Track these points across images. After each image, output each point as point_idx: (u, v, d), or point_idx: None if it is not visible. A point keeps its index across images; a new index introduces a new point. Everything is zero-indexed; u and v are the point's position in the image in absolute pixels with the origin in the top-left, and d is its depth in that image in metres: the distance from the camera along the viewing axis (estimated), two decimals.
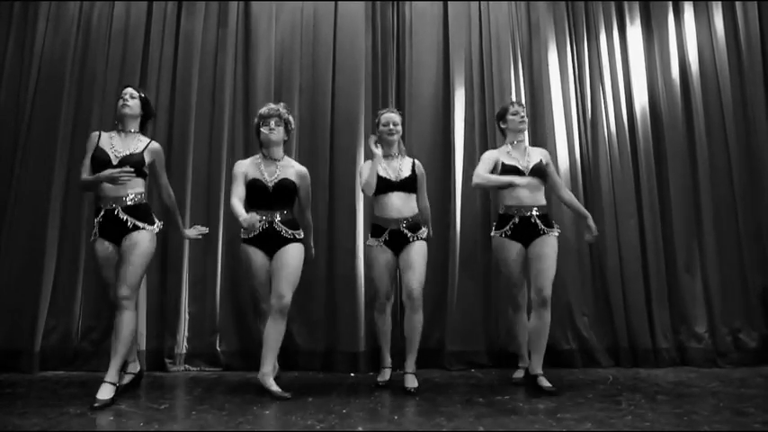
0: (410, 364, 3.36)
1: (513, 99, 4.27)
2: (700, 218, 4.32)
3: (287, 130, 3.38)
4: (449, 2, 4.59)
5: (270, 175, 3.26)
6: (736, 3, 4.56)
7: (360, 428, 2.44)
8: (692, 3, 4.62)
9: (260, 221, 3.16)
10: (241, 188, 3.23)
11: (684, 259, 4.27)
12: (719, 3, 4.58)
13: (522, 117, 3.52)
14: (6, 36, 4.33)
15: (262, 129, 3.32)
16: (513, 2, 4.62)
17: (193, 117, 4.30)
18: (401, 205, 3.40)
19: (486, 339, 4.14)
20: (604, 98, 4.50)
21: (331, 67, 4.41)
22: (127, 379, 3.25)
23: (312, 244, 3.57)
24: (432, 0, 4.60)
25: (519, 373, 3.56)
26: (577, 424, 2.47)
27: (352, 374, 3.85)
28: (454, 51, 4.49)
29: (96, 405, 2.76)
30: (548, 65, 4.51)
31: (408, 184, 3.44)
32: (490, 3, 4.58)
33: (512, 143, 3.52)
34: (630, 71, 4.53)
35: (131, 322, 2.99)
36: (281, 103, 3.45)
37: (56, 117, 4.15)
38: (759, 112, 4.40)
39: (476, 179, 3.39)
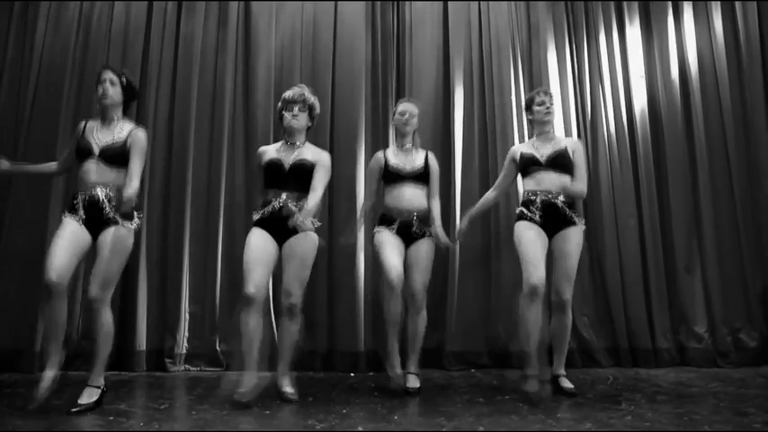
0: (413, 364, 3.29)
1: (542, 88, 3.68)
2: (699, 218, 4.32)
3: (311, 116, 3.17)
4: (449, 2, 4.59)
5: (287, 157, 3.08)
6: (736, 3, 4.56)
7: (360, 428, 2.44)
8: (691, 3, 4.62)
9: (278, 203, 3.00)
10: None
11: (684, 259, 4.27)
12: (719, 3, 4.58)
13: (548, 108, 3.29)
14: (6, 36, 4.31)
15: (285, 113, 3.11)
16: (512, 2, 4.62)
17: (193, 117, 4.28)
18: (412, 197, 3.33)
19: (486, 339, 4.13)
20: (604, 99, 4.50)
21: (331, 68, 4.41)
22: (85, 397, 2.73)
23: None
24: (432, 0, 4.60)
25: (534, 386, 2.97)
26: (577, 424, 2.47)
27: (352, 374, 3.85)
28: (454, 52, 4.49)
29: (73, 410, 2.62)
30: (547, 65, 4.51)
31: (420, 177, 3.37)
32: (490, 3, 4.59)
33: (537, 135, 3.34)
34: (630, 72, 4.53)
35: (108, 323, 2.73)
36: (306, 87, 3.21)
37: (56, 117, 4.14)
38: (758, 112, 4.40)
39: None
